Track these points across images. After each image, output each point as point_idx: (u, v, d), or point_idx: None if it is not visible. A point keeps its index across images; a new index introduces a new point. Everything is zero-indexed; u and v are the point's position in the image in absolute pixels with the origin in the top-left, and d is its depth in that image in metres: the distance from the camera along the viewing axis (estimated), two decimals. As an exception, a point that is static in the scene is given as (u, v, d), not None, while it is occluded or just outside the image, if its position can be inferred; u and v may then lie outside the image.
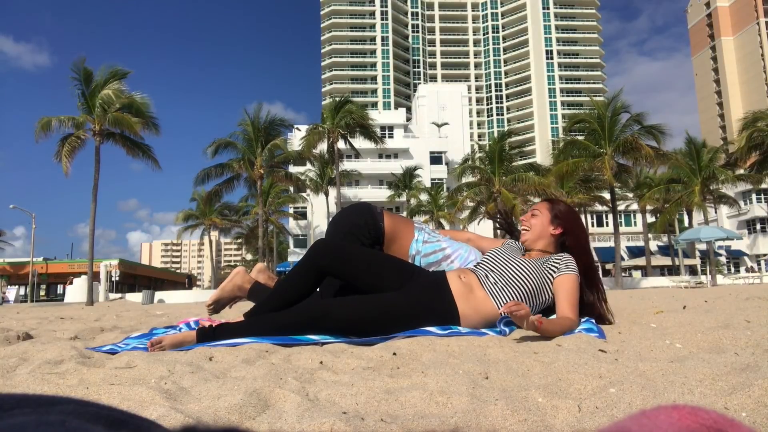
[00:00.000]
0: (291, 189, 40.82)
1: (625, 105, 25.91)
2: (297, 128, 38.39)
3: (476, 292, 2.29)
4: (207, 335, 2.12)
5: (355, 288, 2.31)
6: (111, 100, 20.47)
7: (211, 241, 46.24)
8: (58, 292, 44.31)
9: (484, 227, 37.45)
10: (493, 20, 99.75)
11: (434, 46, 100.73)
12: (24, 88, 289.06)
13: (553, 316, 2.33)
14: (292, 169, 34.28)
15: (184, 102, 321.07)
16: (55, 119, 20.79)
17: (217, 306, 2.77)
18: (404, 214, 39.45)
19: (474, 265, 2.48)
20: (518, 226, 2.65)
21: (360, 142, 32.77)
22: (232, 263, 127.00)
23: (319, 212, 45.80)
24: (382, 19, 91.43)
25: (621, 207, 37.73)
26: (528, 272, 2.33)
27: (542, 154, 70.98)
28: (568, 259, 2.40)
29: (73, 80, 20.84)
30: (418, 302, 2.22)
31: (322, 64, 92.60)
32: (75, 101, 21.19)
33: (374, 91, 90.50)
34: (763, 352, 1.59)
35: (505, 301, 2.25)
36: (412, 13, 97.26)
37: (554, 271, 2.35)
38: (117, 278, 37.23)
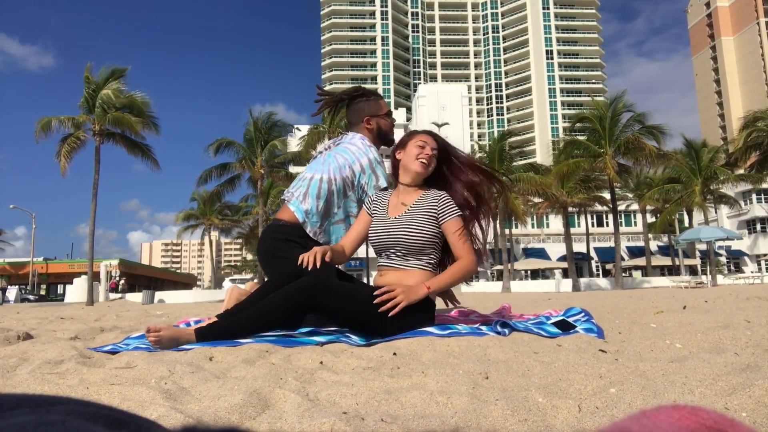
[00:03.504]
0: (291, 189, 40.75)
1: (627, 105, 25.92)
2: (297, 128, 38.33)
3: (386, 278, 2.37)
4: (205, 334, 2.11)
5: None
6: (111, 101, 20.47)
7: (211, 241, 46.22)
8: (59, 292, 44.41)
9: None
10: (493, 20, 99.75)
11: (434, 46, 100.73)
12: (28, 89, 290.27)
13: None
14: (293, 169, 34.34)
15: (187, 103, 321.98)
16: (54, 119, 20.79)
17: None
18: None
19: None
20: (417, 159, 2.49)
21: (360, 143, 32.69)
22: (233, 263, 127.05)
23: (319, 212, 45.68)
24: (382, 19, 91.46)
25: (621, 207, 37.72)
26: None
27: (542, 154, 70.98)
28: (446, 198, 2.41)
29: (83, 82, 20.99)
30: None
31: (322, 63, 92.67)
32: (77, 101, 21.23)
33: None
34: (763, 352, 1.59)
35: (417, 266, 2.35)
36: (412, 13, 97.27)
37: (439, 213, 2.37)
38: (117, 278, 37.25)
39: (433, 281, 2.25)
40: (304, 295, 2.09)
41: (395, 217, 2.41)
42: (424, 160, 2.40)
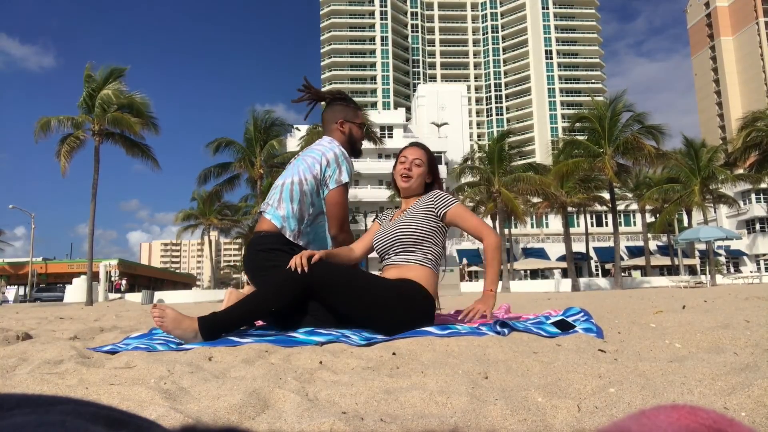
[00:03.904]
0: (290, 189, 40.69)
1: (626, 104, 25.92)
2: (297, 128, 38.29)
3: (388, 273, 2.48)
4: (206, 321, 2.18)
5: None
6: (110, 101, 20.46)
7: (210, 241, 46.19)
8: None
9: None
10: (492, 20, 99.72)
11: (434, 46, 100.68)
12: (28, 89, 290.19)
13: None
14: (292, 169, 34.32)
15: (187, 104, 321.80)
16: (54, 119, 20.77)
17: None
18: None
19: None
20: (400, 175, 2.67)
21: (359, 142, 32.69)
22: (232, 263, 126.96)
23: (318, 212, 45.69)
24: (381, 19, 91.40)
25: (620, 207, 37.74)
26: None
27: (542, 154, 70.97)
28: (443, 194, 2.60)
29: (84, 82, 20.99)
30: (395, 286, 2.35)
31: (322, 63, 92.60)
32: (77, 101, 21.20)
33: (374, 91, 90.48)
34: (763, 352, 1.60)
35: (415, 259, 2.44)
36: (412, 13, 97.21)
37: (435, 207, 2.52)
38: (116, 278, 37.24)
39: (488, 282, 2.46)
40: (296, 282, 2.17)
41: (395, 220, 2.59)
42: (403, 174, 2.62)
